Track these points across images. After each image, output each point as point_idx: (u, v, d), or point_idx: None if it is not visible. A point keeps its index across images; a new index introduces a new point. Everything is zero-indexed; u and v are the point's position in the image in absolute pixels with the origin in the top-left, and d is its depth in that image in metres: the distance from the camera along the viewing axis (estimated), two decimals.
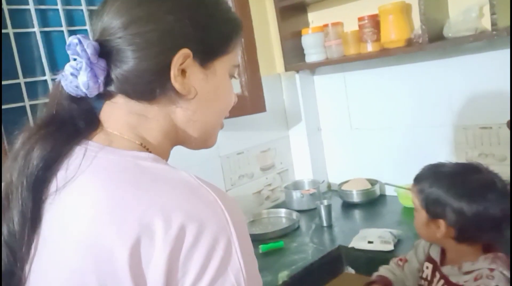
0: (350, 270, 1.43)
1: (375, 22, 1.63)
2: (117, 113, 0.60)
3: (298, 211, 1.75)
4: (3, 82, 1.23)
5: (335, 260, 1.41)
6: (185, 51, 0.57)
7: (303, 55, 1.88)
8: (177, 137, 0.63)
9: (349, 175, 1.92)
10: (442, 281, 0.99)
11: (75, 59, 0.57)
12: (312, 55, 1.84)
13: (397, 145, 1.78)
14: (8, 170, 0.56)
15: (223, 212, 0.51)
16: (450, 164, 1.01)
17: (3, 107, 1.21)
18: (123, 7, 0.57)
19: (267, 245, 1.47)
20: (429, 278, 1.04)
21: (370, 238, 1.38)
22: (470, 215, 0.92)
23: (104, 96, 0.60)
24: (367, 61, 1.76)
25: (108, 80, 0.58)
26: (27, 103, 1.26)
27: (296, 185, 1.95)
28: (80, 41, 0.55)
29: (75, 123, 0.59)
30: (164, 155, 0.62)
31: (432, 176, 1.00)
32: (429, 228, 0.99)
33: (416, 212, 1.02)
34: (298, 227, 1.64)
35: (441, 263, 1.02)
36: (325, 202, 1.62)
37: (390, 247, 1.33)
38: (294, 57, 1.88)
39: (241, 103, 1.70)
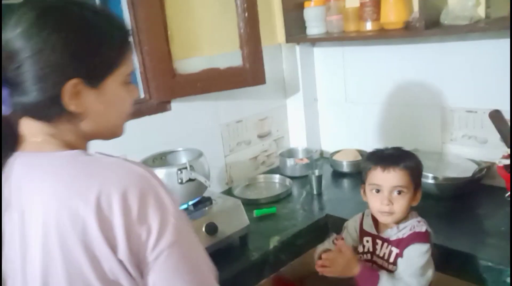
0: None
1: (376, 1, 1.66)
2: (34, 127, 0.71)
3: (291, 177, 1.87)
4: None
5: (321, 227, 1.54)
6: (73, 82, 0.68)
7: (305, 27, 1.93)
8: (90, 137, 0.76)
9: (341, 145, 2.03)
10: (386, 244, 1.17)
11: None
12: (313, 28, 1.89)
13: (387, 120, 1.88)
14: None
15: (152, 177, 0.69)
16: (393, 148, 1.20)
17: None
18: (21, 36, 0.66)
19: (261, 210, 1.60)
20: (371, 249, 1.21)
21: None
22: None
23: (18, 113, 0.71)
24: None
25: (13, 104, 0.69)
26: None
27: (291, 152, 2.05)
28: None
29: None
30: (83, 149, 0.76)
31: (406, 155, 1.17)
32: (410, 203, 1.14)
33: (404, 189, 1.11)
34: (291, 194, 1.76)
35: (377, 231, 1.20)
36: (316, 172, 1.73)
37: None
38: (296, 28, 1.92)
39: (242, 75, 1.77)
